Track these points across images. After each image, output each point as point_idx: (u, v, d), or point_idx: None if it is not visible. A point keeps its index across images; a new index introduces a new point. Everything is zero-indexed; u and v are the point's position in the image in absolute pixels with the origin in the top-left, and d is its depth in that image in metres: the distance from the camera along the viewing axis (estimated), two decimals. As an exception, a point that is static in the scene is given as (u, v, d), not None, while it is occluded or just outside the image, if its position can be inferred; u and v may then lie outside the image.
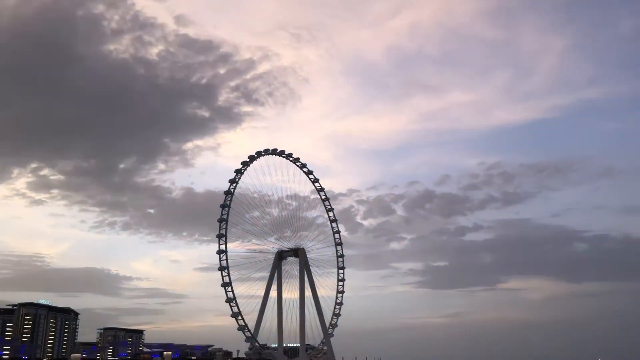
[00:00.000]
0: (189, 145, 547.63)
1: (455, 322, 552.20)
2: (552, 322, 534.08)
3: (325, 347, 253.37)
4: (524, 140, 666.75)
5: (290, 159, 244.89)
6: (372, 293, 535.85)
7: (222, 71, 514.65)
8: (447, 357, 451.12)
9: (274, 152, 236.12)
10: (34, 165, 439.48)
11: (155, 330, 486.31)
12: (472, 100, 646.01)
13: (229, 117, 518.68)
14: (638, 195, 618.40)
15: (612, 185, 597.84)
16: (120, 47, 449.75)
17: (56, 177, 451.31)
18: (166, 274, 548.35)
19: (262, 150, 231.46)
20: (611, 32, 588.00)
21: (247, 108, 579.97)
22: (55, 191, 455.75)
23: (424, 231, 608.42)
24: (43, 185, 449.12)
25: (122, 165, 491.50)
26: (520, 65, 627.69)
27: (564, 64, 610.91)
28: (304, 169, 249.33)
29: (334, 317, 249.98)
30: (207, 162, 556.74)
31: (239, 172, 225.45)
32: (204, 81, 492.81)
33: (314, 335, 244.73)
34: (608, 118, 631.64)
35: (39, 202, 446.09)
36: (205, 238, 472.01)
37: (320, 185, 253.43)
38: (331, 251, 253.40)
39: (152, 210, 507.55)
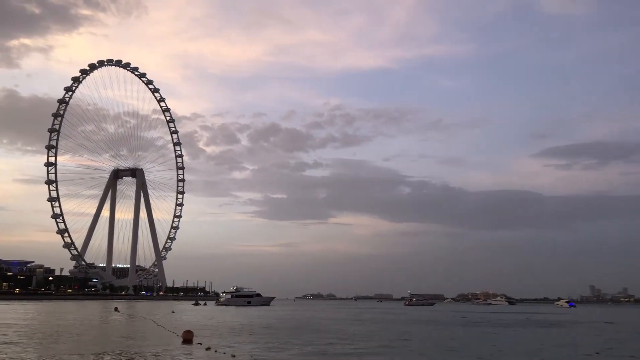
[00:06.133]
0: (14, 42, 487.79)
1: (289, 251, 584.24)
2: (375, 255, 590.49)
3: (156, 270, 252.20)
4: (368, 86, 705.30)
5: (136, 73, 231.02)
6: (209, 219, 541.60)
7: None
8: (279, 282, 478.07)
9: (118, 63, 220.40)
10: None
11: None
12: (326, 40, 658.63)
13: (64, 17, 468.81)
14: (457, 148, 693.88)
15: (438, 137, 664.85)
16: None
17: None
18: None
19: (104, 60, 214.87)
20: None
21: (85, 11, 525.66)
22: None
23: (266, 163, 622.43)
24: None
25: None
26: (373, 14, 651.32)
27: (412, 19, 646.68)
28: (150, 86, 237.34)
29: (169, 241, 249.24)
30: (36, 64, 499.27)
31: (76, 80, 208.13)
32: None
33: (145, 257, 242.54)
34: (443, 75, 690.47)
35: None
36: (29, 148, 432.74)
37: (166, 105, 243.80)
38: (170, 174, 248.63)
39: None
